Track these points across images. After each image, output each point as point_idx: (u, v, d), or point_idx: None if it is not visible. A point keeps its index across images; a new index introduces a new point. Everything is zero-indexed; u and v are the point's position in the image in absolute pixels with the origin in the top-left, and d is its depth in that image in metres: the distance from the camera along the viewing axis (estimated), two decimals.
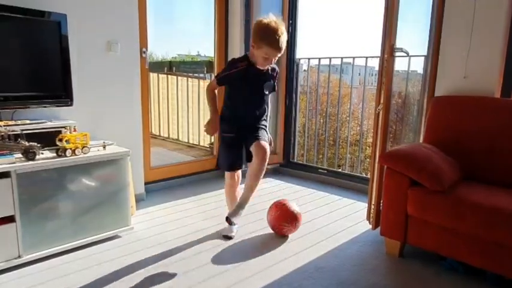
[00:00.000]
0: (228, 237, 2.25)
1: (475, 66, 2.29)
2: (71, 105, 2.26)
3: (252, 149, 2.07)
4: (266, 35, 1.93)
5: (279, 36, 1.92)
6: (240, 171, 2.29)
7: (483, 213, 1.69)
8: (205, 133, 2.13)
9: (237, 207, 2.05)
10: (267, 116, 2.21)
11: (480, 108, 2.17)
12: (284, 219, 2.25)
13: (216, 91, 2.11)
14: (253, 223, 2.48)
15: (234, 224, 2.29)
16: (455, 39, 2.35)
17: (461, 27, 2.31)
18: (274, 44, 1.92)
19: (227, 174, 2.28)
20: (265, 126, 2.19)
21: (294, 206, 2.30)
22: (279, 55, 1.99)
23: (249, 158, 2.12)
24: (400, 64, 2.82)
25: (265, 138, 2.12)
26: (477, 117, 2.15)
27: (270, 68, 2.10)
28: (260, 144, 2.04)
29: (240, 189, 2.23)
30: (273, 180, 3.48)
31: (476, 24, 2.26)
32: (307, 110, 4.10)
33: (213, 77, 2.66)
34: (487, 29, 2.23)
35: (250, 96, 2.11)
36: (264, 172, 2.09)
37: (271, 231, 2.34)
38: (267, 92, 2.14)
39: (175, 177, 3.26)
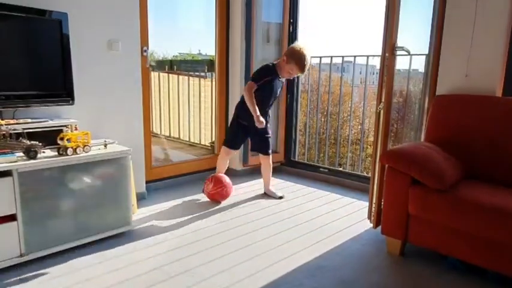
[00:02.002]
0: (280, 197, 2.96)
1: (476, 64, 2.29)
2: (72, 104, 2.26)
3: (260, 158, 2.99)
4: (297, 56, 2.62)
5: (306, 62, 2.63)
6: (235, 152, 2.99)
7: (484, 212, 1.69)
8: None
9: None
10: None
11: (482, 107, 2.16)
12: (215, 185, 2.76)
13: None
14: (254, 222, 2.48)
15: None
16: (456, 38, 2.34)
17: (462, 26, 2.31)
18: (301, 65, 2.63)
19: (225, 148, 2.91)
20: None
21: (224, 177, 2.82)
22: (300, 75, 2.82)
23: (254, 148, 3.03)
24: (401, 63, 2.82)
25: (269, 148, 2.92)
26: (479, 116, 2.15)
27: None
28: (265, 159, 2.97)
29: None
30: (274, 179, 3.48)
31: (478, 23, 2.25)
32: (309, 108, 4.10)
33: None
34: (488, 27, 2.23)
35: (269, 97, 2.77)
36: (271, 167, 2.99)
37: (272, 231, 2.35)
38: (277, 95, 2.85)
39: (176, 176, 3.26)
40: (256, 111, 2.62)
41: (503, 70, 2.25)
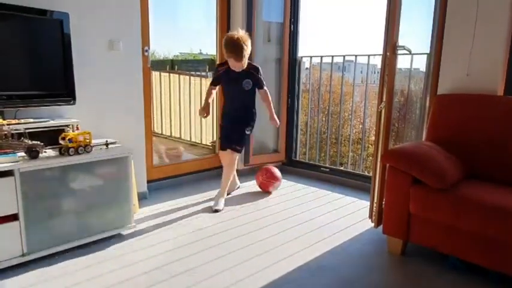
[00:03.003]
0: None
1: (477, 64, 2.28)
2: (74, 103, 2.27)
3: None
4: (226, 46, 2.54)
5: (233, 45, 2.52)
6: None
7: (485, 211, 1.69)
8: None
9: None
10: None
11: (483, 106, 2.16)
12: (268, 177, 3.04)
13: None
14: (254, 222, 2.49)
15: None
16: (458, 37, 2.34)
17: (464, 25, 2.30)
18: (232, 52, 2.53)
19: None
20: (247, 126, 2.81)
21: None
22: (240, 62, 2.56)
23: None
24: (402, 62, 2.82)
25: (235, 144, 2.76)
26: (480, 115, 2.15)
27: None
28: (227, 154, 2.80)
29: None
30: None
31: (479, 22, 2.25)
32: (310, 108, 4.10)
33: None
34: (490, 26, 2.22)
35: (231, 91, 2.78)
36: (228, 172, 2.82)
37: (272, 231, 2.35)
38: (246, 89, 2.72)
39: (177, 175, 3.26)
40: (204, 102, 2.75)
41: (504, 69, 2.24)
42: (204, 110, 2.74)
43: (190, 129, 4.73)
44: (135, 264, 1.90)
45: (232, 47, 2.50)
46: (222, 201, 2.73)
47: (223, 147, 2.81)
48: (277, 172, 3.09)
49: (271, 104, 2.87)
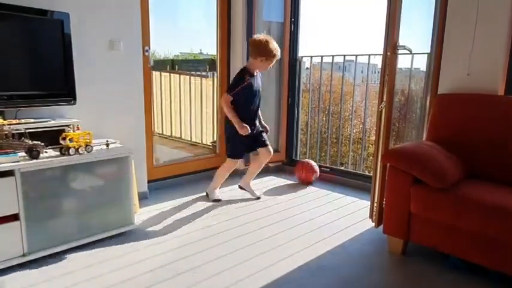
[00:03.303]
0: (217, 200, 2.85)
1: (478, 63, 2.28)
2: (74, 103, 2.27)
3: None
4: (263, 49, 2.64)
5: (273, 48, 2.65)
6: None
7: (486, 211, 1.69)
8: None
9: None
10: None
11: (483, 106, 2.16)
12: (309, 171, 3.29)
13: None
14: (255, 222, 2.49)
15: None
16: (458, 37, 2.34)
17: (464, 25, 2.30)
18: (272, 54, 2.65)
19: (233, 160, 2.84)
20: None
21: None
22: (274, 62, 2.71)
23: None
24: (403, 61, 2.81)
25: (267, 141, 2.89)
26: (480, 115, 2.15)
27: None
28: (264, 150, 2.88)
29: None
30: (275, 178, 3.49)
31: (480, 22, 2.25)
32: (310, 107, 4.10)
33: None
34: (490, 26, 2.22)
35: (252, 99, 2.75)
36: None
37: (273, 230, 2.35)
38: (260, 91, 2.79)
39: (178, 175, 3.26)
40: (237, 122, 2.63)
41: (505, 69, 2.24)
42: (245, 126, 2.65)
43: (190, 129, 4.73)
44: (135, 264, 1.91)
45: (274, 50, 2.63)
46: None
47: (252, 150, 2.91)
48: (313, 165, 3.34)
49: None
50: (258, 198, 2.92)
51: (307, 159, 3.44)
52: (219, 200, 2.85)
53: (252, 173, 2.96)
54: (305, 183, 3.33)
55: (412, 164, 1.90)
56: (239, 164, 2.95)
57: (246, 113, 2.70)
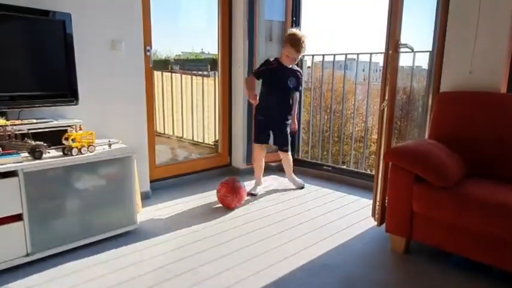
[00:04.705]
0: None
1: (480, 61, 2.27)
2: (76, 104, 2.28)
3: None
4: (289, 37, 2.81)
5: (298, 38, 2.78)
6: (264, 146, 3.07)
7: (489, 209, 1.69)
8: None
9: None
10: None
11: (486, 104, 2.15)
12: (227, 192, 2.66)
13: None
14: (257, 221, 2.49)
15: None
16: (460, 35, 2.33)
17: (466, 23, 2.29)
18: (292, 43, 2.78)
19: (255, 144, 3.09)
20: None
21: (238, 182, 2.74)
22: (299, 55, 2.84)
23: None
24: (404, 60, 2.81)
25: (286, 145, 3.04)
26: (483, 113, 2.14)
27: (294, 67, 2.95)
28: (282, 155, 3.10)
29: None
30: (277, 178, 3.49)
31: (482, 19, 2.24)
32: (312, 106, 4.09)
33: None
34: (492, 24, 2.21)
35: (274, 86, 2.93)
36: (291, 162, 3.14)
37: (275, 230, 2.35)
38: (291, 86, 2.94)
39: (180, 174, 3.27)
40: (249, 91, 2.85)
41: (507, 66, 2.23)
42: (256, 96, 2.84)
43: (192, 129, 4.73)
44: (138, 264, 1.91)
45: (297, 40, 2.77)
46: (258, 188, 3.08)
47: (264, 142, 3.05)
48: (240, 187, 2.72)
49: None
50: (302, 187, 3.17)
51: (232, 177, 2.80)
52: (253, 195, 2.97)
53: (285, 169, 3.18)
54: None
55: (414, 163, 1.90)
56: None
57: (267, 101, 2.89)
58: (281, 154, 3.09)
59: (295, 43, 2.77)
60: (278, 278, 1.80)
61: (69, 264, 1.90)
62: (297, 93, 3.07)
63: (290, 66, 2.90)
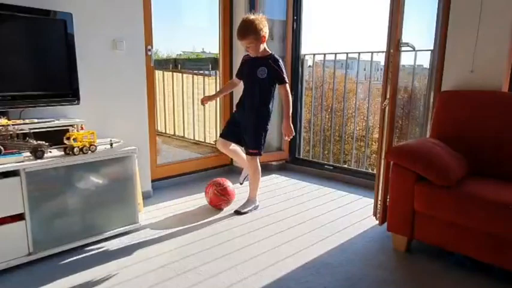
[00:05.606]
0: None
1: (482, 60, 2.27)
2: (78, 103, 2.28)
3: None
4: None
5: (240, 26, 2.43)
6: (233, 145, 2.70)
7: (490, 208, 1.68)
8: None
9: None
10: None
11: (487, 103, 2.15)
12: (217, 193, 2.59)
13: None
14: (258, 220, 2.49)
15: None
16: (462, 33, 2.33)
17: (468, 21, 2.29)
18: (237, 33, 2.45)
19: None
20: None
21: (227, 183, 2.65)
22: (243, 42, 2.45)
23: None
24: (406, 59, 2.80)
25: (251, 146, 2.55)
26: (484, 112, 2.14)
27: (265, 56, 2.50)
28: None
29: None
30: (279, 177, 3.49)
31: (483, 18, 2.23)
32: (313, 105, 4.09)
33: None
34: (494, 22, 2.21)
35: (246, 81, 2.61)
36: (253, 171, 2.62)
37: (277, 229, 2.35)
38: (260, 77, 2.50)
39: (181, 174, 3.27)
40: (215, 94, 2.78)
41: (509, 65, 2.23)
42: (209, 99, 2.72)
43: (193, 128, 4.74)
44: (140, 263, 1.91)
45: (238, 28, 2.42)
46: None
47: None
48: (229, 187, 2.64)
49: (290, 106, 2.49)
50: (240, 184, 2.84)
51: (220, 179, 2.67)
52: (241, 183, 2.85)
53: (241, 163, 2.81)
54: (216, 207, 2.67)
55: (415, 162, 1.89)
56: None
57: (241, 96, 2.62)
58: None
59: (237, 32, 2.42)
60: (280, 277, 1.80)
61: (71, 263, 1.90)
62: (287, 87, 2.48)
63: (256, 56, 2.47)
